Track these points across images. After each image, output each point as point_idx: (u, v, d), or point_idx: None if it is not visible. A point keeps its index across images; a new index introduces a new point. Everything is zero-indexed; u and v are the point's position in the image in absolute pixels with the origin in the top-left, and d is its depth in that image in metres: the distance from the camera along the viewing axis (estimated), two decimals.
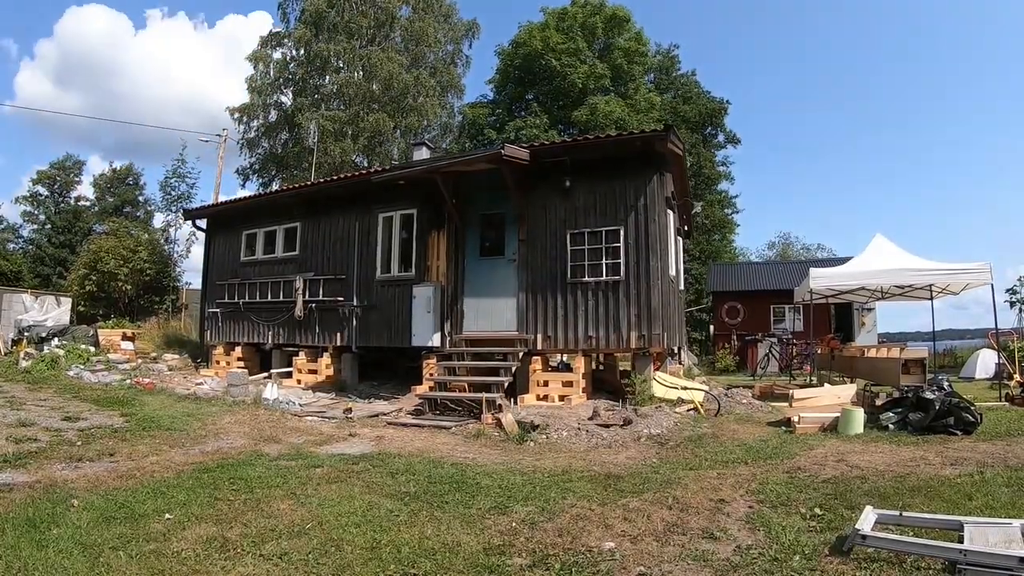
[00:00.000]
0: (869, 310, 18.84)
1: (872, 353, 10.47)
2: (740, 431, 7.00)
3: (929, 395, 6.63)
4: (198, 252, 17.70)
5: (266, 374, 11.39)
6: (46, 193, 35.34)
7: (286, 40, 26.68)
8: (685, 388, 8.67)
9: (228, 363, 12.30)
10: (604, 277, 8.84)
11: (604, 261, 8.88)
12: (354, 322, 10.83)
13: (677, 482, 4.67)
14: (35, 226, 34.86)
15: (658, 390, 8.58)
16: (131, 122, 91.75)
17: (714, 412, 8.04)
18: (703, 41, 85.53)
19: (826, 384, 9.66)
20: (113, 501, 4.00)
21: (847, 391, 7.98)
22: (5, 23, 73.72)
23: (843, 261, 13.99)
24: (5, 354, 12.60)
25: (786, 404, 8.08)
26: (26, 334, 13.52)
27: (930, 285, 11.13)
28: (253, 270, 12.57)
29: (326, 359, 11.04)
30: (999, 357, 11.97)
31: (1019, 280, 15.17)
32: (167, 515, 3.75)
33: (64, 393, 8.97)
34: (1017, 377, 9.67)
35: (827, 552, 3.11)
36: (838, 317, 19.35)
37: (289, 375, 11.40)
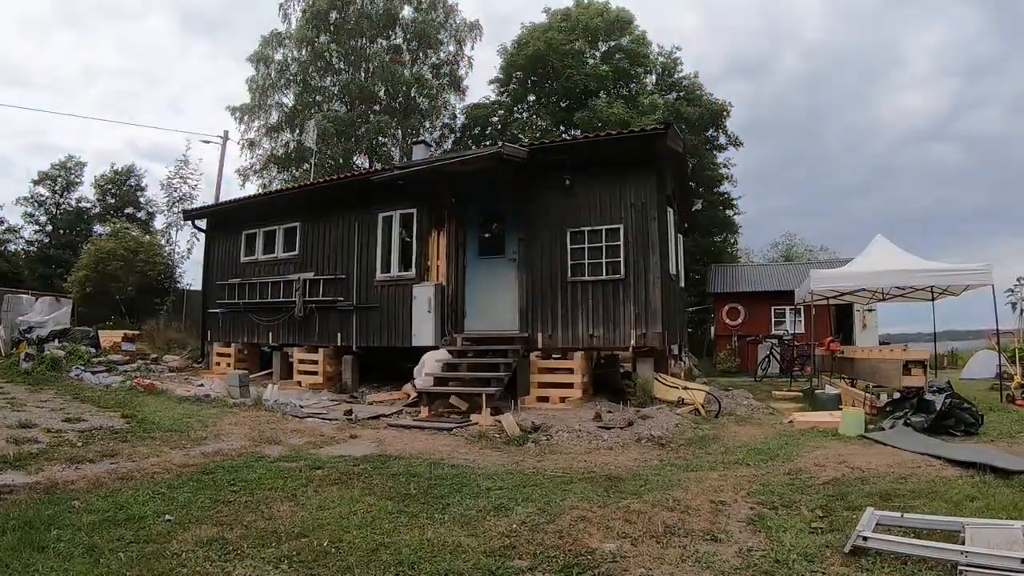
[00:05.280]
0: (870, 311, 18.80)
1: (873, 354, 10.45)
2: (741, 432, 6.99)
3: (930, 397, 6.63)
4: (198, 253, 17.71)
5: (266, 372, 11.40)
6: (47, 194, 35.33)
7: (287, 40, 26.66)
8: (686, 389, 8.67)
9: (228, 364, 12.30)
10: (604, 276, 8.85)
11: (604, 260, 8.88)
12: (354, 322, 10.83)
13: (678, 484, 4.66)
14: (36, 227, 34.85)
15: (659, 391, 8.58)
16: (132, 123, 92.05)
17: (715, 413, 8.03)
18: (705, 41, 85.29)
19: (827, 387, 9.66)
20: (113, 502, 3.99)
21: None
22: None
23: (844, 262, 13.97)
24: (6, 355, 12.60)
25: (789, 404, 8.06)
26: (27, 335, 13.51)
27: (931, 286, 11.12)
28: (253, 270, 12.57)
29: (326, 360, 11.04)
30: (1000, 358, 11.97)
31: (1018, 280, 15.14)
32: (167, 517, 3.75)
33: (65, 394, 8.97)
34: (1018, 378, 9.65)
35: (829, 554, 3.11)
36: (839, 318, 19.32)
37: (289, 376, 11.40)
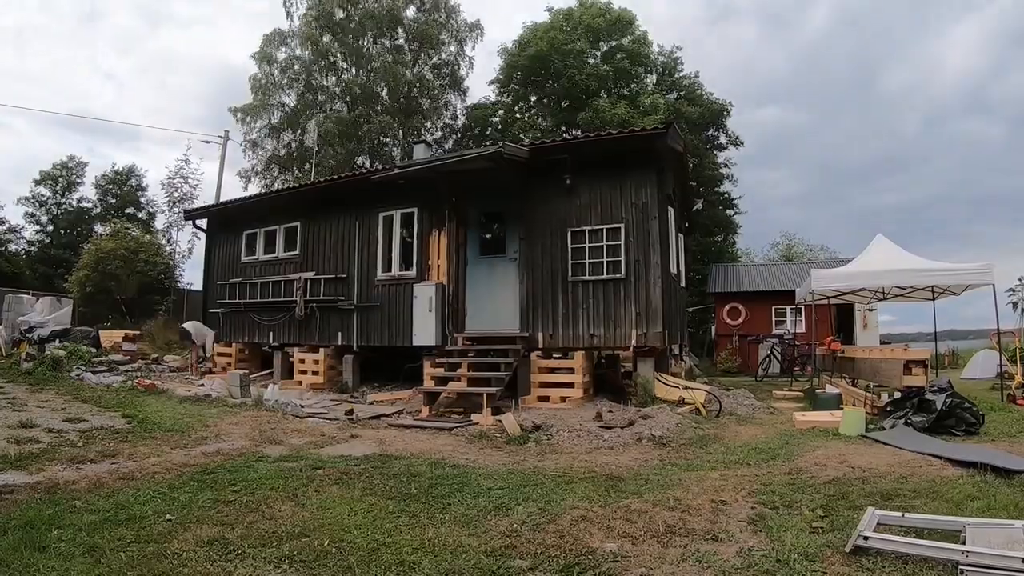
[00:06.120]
0: (871, 311, 18.79)
1: (874, 354, 10.44)
2: (742, 432, 6.99)
3: (931, 396, 6.62)
4: (199, 253, 17.76)
5: (267, 372, 11.41)
6: (48, 194, 35.35)
7: (290, 40, 26.65)
8: (687, 388, 8.67)
9: (229, 364, 12.31)
10: (605, 275, 8.85)
11: (605, 259, 8.88)
12: (355, 322, 10.84)
13: (679, 483, 4.66)
14: (37, 227, 34.86)
15: (660, 390, 8.58)
16: (133, 123, 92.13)
17: (716, 413, 8.03)
18: (706, 41, 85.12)
19: (828, 386, 9.65)
20: (114, 502, 4.00)
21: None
22: None
23: (844, 262, 13.97)
24: (7, 355, 12.61)
25: (790, 404, 8.04)
26: (28, 335, 13.52)
27: (932, 286, 11.12)
28: (254, 270, 12.59)
29: (327, 359, 11.04)
30: (1000, 357, 11.96)
31: (1020, 280, 15.21)
32: (168, 516, 3.75)
33: (66, 394, 8.98)
34: (1018, 377, 9.64)
35: (830, 554, 3.10)
36: (839, 318, 19.31)
37: (290, 376, 11.40)
